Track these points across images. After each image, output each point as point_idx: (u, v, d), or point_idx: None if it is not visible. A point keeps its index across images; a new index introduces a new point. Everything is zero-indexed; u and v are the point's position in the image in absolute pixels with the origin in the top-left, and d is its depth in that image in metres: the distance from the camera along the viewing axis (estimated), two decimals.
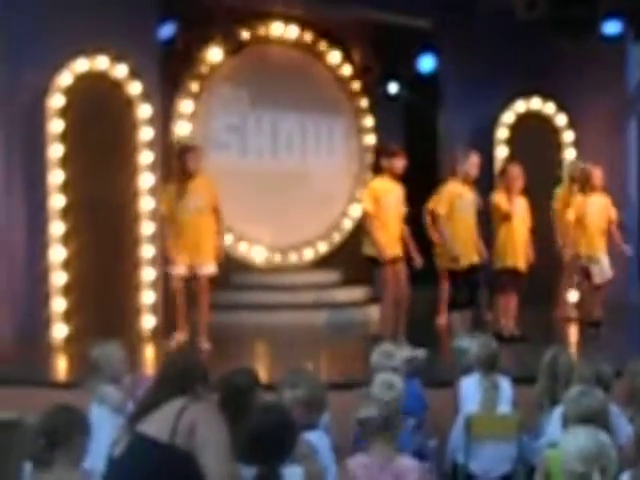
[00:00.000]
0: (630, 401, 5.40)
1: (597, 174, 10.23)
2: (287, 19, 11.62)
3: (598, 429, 3.78)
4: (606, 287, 10.14)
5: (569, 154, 11.67)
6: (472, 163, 8.94)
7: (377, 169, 9.10)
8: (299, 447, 4.05)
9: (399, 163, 8.70)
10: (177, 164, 8.80)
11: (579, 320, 10.36)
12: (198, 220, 8.57)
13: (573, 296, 10.92)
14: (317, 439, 4.37)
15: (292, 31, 11.73)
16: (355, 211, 11.80)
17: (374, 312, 9.62)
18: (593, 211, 10.09)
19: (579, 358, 7.00)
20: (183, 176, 8.64)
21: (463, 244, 8.76)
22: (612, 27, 11.19)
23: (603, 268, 10.07)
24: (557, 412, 4.96)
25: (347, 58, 12.09)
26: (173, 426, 3.70)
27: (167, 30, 10.24)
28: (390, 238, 8.62)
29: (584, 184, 10.22)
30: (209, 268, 8.63)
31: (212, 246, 8.65)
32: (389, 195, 8.67)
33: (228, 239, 11.25)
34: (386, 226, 8.61)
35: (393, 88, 12.28)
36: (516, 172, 9.30)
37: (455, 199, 8.81)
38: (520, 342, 8.81)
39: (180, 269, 8.60)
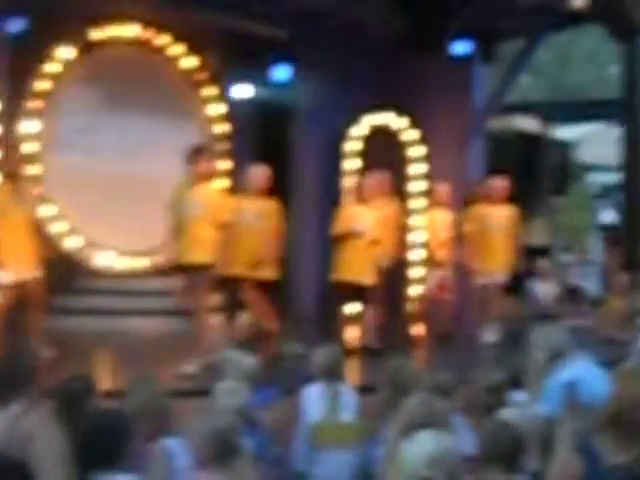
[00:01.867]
0: (472, 410, 5.53)
1: (442, 190, 10.54)
2: (141, 21, 11.45)
3: (442, 433, 3.85)
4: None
5: (419, 169, 11.89)
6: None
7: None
8: (151, 453, 4.01)
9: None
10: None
11: (427, 331, 10.66)
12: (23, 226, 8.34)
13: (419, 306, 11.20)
14: (171, 446, 4.34)
15: (146, 34, 11.56)
16: None
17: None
18: (438, 225, 10.39)
19: (422, 368, 7.17)
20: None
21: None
22: (461, 47, 11.53)
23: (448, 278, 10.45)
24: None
25: (201, 64, 12.01)
26: (8, 435, 3.59)
27: (16, 25, 9.91)
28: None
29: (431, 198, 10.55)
30: (35, 272, 8.35)
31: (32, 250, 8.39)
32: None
33: (76, 243, 11.02)
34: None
35: (245, 97, 12.27)
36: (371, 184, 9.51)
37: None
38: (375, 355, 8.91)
39: (9, 275, 8.30)
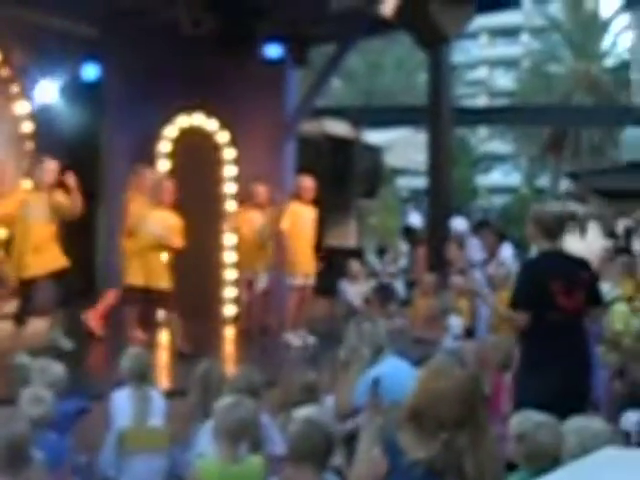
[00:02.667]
0: (282, 410, 5.57)
1: (261, 191, 10.57)
2: None
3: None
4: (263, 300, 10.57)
5: (230, 171, 11.90)
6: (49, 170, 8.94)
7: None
8: None
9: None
10: None
11: (238, 331, 10.70)
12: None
13: (230, 309, 11.22)
14: None
15: None
16: None
17: None
18: (256, 227, 10.43)
19: (234, 369, 7.16)
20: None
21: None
22: (273, 50, 11.62)
23: (262, 280, 10.49)
24: (209, 424, 5.00)
25: (6, 60, 11.56)
26: None
27: None
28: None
29: (248, 200, 10.59)
30: None
31: None
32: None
33: None
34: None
35: (53, 95, 11.90)
36: (170, 186, 9.39)
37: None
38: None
39: None
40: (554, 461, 4.06)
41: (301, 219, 10.20)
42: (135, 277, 9.07)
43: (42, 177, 8.86)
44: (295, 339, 10.04)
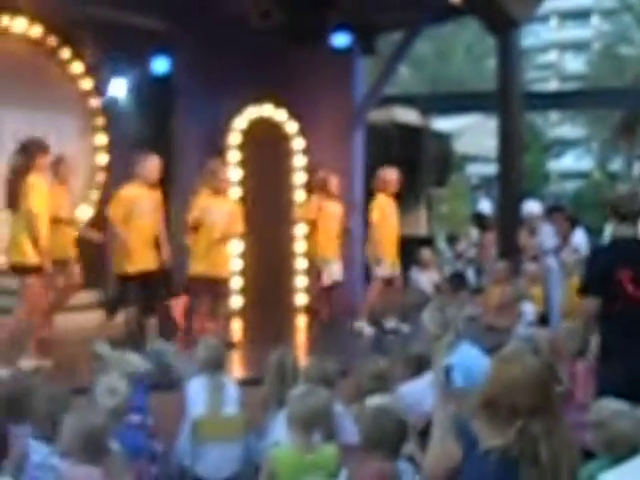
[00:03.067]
0: (356, 399, 5.58)
1: (334, 182, 10.59)
2: (14, 11, 11.13)
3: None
4: (335, 289, 10.56)
5: (299, 161, 11.95)
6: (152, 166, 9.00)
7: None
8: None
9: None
10: None
11: (310, 320, 10.73)
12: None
13: (302, 298, 11.28)
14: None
15: (20, 24, 11.25)
16: (86, 212, 11.51)
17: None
18: (330, 216, 10.46)
19: (306, 358, 7.19)
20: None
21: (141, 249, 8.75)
22: (341, 39, 11.61)
23: (333, 271, 10.49)
24: (283, 412, 5.04)
25: (78, 55, 11.75)
26: None
27: None
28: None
29: (321, 190, 10.58)
30: None
31: None
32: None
33: None
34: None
35: (125, 89, 12.07)
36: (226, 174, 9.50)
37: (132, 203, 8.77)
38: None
39: None
40: (633, 449, 4.02)
41: (387, 211, 10.25)
42: (200, 268, 9.11)
43: (146, 174, 8.91)
44: (367, 328, 10.06)
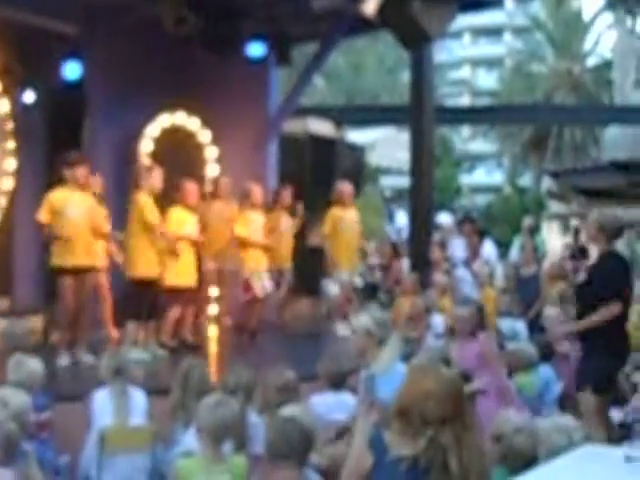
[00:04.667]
0: (265, 410, 5.56)
1: (257, 191, 10.52)
2: None
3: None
4: (264, 300, 10.52)
5: (212, 170, 11.87)
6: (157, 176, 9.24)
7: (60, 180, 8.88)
8: None
9: (80, 172, 8.70)
10: None
11: (235, 330, 10.68)
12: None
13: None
14: None
15: None
16: None
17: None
18: (254, 227, 10.40)
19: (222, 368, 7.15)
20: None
21: None
22: (256, 49, 11.60)
23: (264, 282, 10.41)
24: (193, 423, 4.99)
25: None
26: None
27: None
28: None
29: (243, 201, 10.52)
30: None
31: None
32: (71, 205, 8.59)
33: None
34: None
35: (37, 93, 11.85)
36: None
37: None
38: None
39: None
40: (527, 464, 4.14)
41: (342, 222, 10.78)
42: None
43: (152, 184, 9.18)
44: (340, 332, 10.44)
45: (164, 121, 11.65)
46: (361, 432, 3.38)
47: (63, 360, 8.41)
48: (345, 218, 10.91)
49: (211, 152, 11.89)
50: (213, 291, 11.06)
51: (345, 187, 11.02)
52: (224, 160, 11.86)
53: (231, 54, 11.48)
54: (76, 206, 8.62)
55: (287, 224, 11.06)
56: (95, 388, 6.01)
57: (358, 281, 11.31)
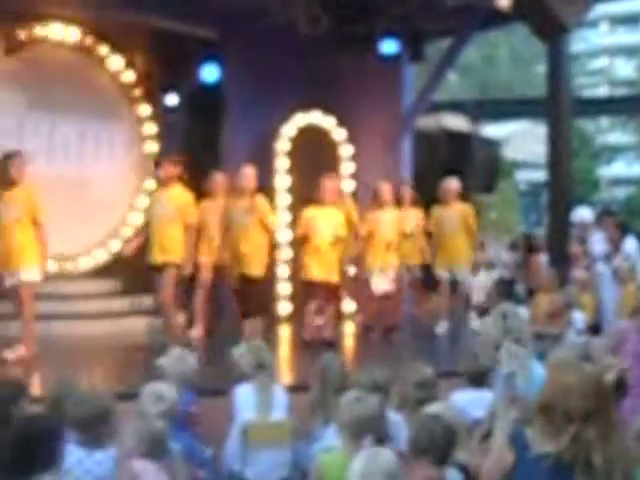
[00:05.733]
0: (402, 406, 5.56)
1: (386, 189, 10.53)
2: (67, 21, 11.30)
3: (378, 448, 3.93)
4: (388, 297, 10.52)
5: (347, 168, 11.95)
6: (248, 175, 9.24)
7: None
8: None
9: (161, 172, 8.98)
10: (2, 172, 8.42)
11: (362, 327, 10.75)
12: (14, 230, 8.28)
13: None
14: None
15: (72, 34, 11.42)
16: (135, 219, 11.62)
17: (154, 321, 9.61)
18: (384, 225, 10.42)
19: (355, 365, 7.19)
20: (3, 183, 8.36)
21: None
22: (389, 46, 11.60)
23: (385, 280, 10.41)
24: (333, 418, 5.04)
25: (129, 64, 11.90)
26: None
27: None
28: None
29: (374, 200, 10.55)
30: (30, 275, 8.32)
31: (33, 254, 8.35)
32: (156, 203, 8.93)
33: None
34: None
35: (175, 97, 12.19)
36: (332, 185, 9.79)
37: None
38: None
39: None
40: None
41: (445, 218, 10.69)
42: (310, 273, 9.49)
43: (242, 183, 9.23)
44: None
45: (299, 120, 11.80)
46: (501, 429, 3.36)
47: (205, 355, 8.65)
48: (447, 215, 10.73)
49: (346, 150, 11.98)
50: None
51: (450, 184, 10.77)
52: (359, 158, 11.92)
53: (364, 52, 11.53)
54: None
55: (414, 221, 10.94)
56: (237, 383, 6.14)
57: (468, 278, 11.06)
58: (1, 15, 10.51)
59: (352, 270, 10.89)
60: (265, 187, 10.04)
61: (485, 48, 36.43)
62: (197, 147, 11.81)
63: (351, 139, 11.98)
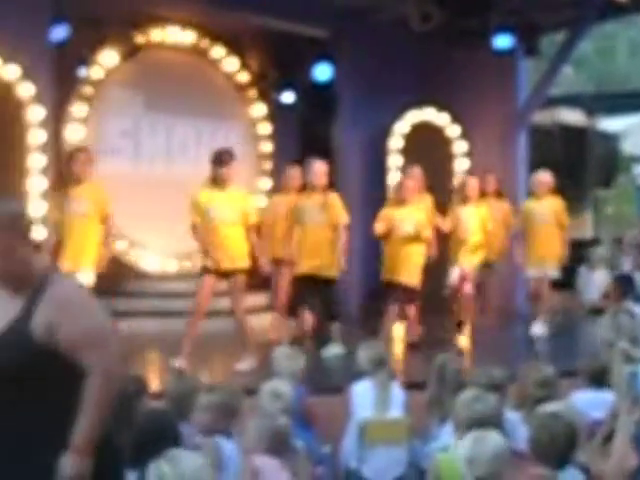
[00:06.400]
0: (522, 405, 5.50)
1: (472, 184, 10.20)
2: (183, 24, 11.53)
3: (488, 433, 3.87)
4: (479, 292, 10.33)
5: (462, 164, 11.86)
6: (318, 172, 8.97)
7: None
8: (207, 451, 4.08)
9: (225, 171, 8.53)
10: (66, 168, 8.53)
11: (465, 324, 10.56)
12: (81, 227, 8.26)
13: None
14: (227, 445, 4.41)
15: (188, 36, 11.64)
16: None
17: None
18: (466, 221, 10.09)
19: (470, 363, 7.14)
20: (70, 180, 8.38)
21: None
22: (503, 41, 11.45)
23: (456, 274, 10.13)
24: (450, 417, 5.02)
25: (243, 65, 12.06)
26: None
27: (59, 31, 9.96)
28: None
29: (458, 195, 10.31)
30: (87, 277, 8.16)
31: (93, 254, 8.29)
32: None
33: (121, 245, 11.10)
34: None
35: (289, 96, 12.30)
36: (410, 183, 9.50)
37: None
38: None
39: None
40: None
41: (535, 213, 10.17)
42: (391, 274, 9.22)
43: (312, 179, 8.94)
44: (535, 331, 9.93)
45: (413, 117, 11.77)
46: (624, 430, 3.29)
47: (330, 350, 8.70)
48: (538, 209, 10.23)
49: (460, 147, 11.90)
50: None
51: (543, 177, 10.27)
52: (473, 154, 11.83)
53: (477, 47, 11.41)
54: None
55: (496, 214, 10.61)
56: (353, 380, 6.17)
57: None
58: (118, 20, 10.79)
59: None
60: (379, 186, 9.98)
61: (601, 40, 35.59)
62: (311, 146, 11.89)
63: (465, 135, 11.89)
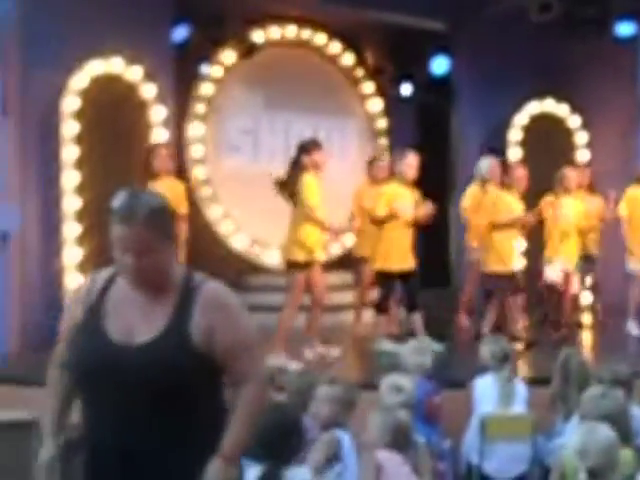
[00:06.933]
0: None
1: (571, 176, 9.85)
2: (301, 21, 11.63)
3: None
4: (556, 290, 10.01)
5: (583, 155, 11.64)
6: (407, 164, 8.81)
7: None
8: (328, 444, 4.14)
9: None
10: (146, 163, 8.68)
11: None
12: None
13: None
14: (345, 438, 4.45)
15: (305, 33, 11.74)
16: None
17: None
18: (566, 213, 9.76)
19: (593, 359, 7.02)
20: (149, 175, 8.55)
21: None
22: (625, 28, 11.17)
23: (553, 271, 9.77)
24: (576, 413, 4.96)
25: (360, 60, 12.10)
26: None
27: (180, 32, 10.21)
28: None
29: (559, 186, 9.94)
30: None
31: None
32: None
33: (242, 242, 11.27)
34: None
35: (407, 90, 12.26)
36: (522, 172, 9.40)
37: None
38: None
39: None
40: None
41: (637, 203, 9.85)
42: (498, 265, 9.03)
43: (405, 171, 8.80)
44: (636, 329, 9.66)
45: (532, 109, 11.61)
46: None
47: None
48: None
49: (581, 138, 11.69)
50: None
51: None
52: (594, 145, 11.60)
53: (598, 36, 11.15)
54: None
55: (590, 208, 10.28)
56: (477, 375, 6.14)
57: None
58: (237, 17, 10.93)
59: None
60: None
61: None
62: (429, 139, 11.85)
63: (586, 126, 11.67)
